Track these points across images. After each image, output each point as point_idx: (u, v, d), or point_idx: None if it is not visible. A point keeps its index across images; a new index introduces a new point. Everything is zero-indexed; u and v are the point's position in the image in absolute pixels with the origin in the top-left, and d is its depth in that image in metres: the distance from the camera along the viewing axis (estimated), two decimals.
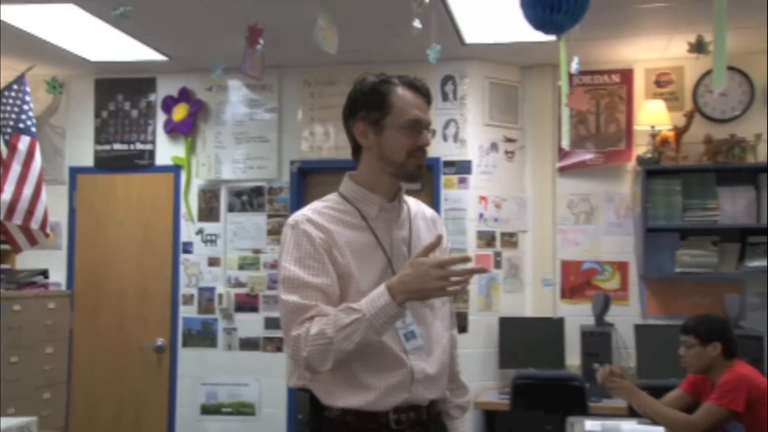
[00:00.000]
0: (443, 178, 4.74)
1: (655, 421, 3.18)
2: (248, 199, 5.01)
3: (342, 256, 1.84)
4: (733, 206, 4.45)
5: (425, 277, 1.70)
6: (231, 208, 5.02)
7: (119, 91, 5.19)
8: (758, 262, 4.38)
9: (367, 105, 1.89)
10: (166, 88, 5.13)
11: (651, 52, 4.61)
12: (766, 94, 4.61)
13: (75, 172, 5.21)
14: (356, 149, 1.95)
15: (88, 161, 5.20)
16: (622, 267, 4.75)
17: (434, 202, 4.68)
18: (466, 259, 1.77)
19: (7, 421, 2.79)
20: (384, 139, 1.88)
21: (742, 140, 4.48)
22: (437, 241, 1.79)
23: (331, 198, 1.96)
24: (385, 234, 1.91)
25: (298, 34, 4.04)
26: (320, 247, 1.83)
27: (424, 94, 1.92)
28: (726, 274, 4.47)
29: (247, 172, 5.02)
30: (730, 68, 4.54)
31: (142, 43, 4.51)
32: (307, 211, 1.91)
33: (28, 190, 4.52)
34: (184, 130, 5.06)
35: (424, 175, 1.96)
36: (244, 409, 4.89)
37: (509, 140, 4.88)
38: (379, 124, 1.87)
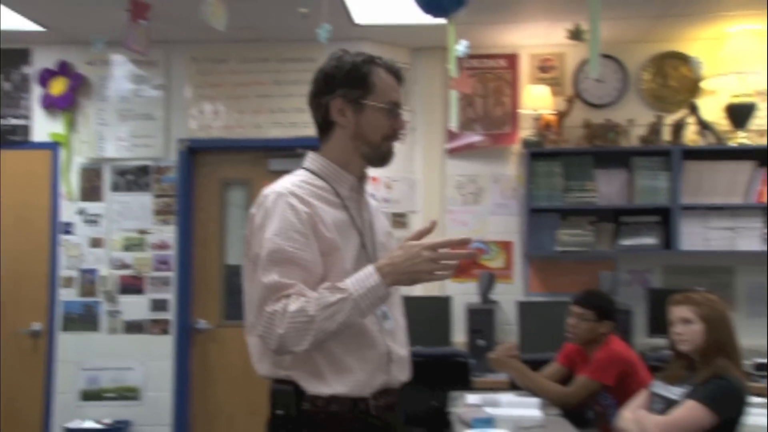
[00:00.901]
0: None
1: (534, 393, 3.34)
2: (134, 178, 4.84)
3: (328, 230, 1.79)
4: (608, 187, 4.70)
5: (417, 259, 1.70)
6: (115, 188, 4.84)
7: None
8: (630, 241, 4.65)
9: (348, 83, 1.85)
10: (43, 60, 4.85)
11: (535, 38, 4.78)
12: (639, 81, 4.89)
13: None
14: (324, 127, 1.91)
15: None
16: (506, 246, 4.92)
17: None
18: (466, 242, 1.74)
19: None
20: (363, 119, 1.86)
21: (616, 125, 4.73)
22: (431, 227, 1.82)
23: (302, 173, 1.89)
24: (357, 214, 1.90)
25: (186, 9, 3.92)
26: (306, 222, 1.76)
27: (400, 78, 1.93)
28: (601, 252, 4.71)
29: (132, 150, 4.83)
30: (607, 56, 4.78)
31: (14, 11, 4.24)
32: (287, 183, 1.83)
33: None
34: (63, 106, 4.81)
35: (393, 159, 1.94)
36: (127, 394, 4.74)
37: None
38: (359, 103, 1.85)
